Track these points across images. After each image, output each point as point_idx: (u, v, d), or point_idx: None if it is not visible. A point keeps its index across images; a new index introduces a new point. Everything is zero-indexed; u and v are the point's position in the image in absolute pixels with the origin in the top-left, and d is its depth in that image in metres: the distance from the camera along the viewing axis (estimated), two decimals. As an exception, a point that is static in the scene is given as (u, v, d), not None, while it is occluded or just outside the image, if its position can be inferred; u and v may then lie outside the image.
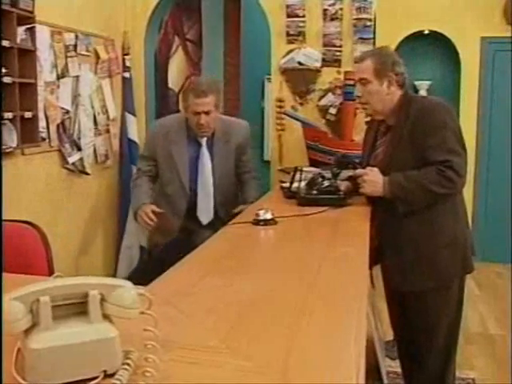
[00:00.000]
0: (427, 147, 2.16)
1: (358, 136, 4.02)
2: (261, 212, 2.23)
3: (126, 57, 4.28)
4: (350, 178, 2.65)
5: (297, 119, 4.08)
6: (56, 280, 0.98)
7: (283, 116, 4.20)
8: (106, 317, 0.95)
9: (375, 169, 2.31)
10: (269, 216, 2.22)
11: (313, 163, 3.89)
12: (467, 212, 2.38)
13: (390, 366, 2.97)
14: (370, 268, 2.52)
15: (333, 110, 4.11)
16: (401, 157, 2.23)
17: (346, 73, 4.01)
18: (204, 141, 2.86)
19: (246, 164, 3.05)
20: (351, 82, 3.96)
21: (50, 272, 1.94)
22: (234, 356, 1.02)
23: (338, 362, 1.02)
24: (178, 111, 5.03)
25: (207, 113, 2.72)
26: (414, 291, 2.28)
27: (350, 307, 1.30)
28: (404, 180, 2.21)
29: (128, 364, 0.93)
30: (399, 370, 2.66)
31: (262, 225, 2.19)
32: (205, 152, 2.86)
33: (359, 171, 2.39)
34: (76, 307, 0.95)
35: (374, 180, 2.29)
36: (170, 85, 6.10)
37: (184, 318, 1.22)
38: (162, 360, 0.94)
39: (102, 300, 0.94)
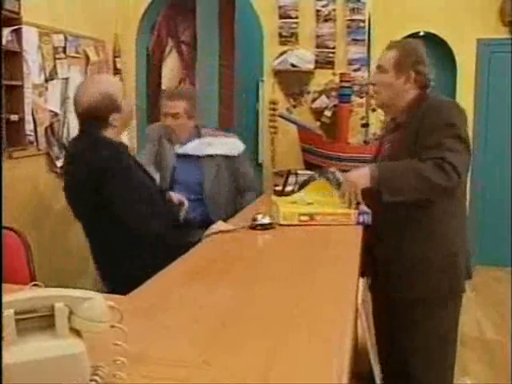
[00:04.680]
0: (425, 147, 2.02)
1: (353, 139, 3.99)
2: (258, 216, 2.19)
3: (116, 59, 4.22)
4: None
5: (292, 121, 4.03)
6: (23, 292, 0.93)
7: (276, 118, 4.15)
8: (74, 330, 0.90)
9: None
10: (267, 220, 2.17)
11: (308, 166, 3.84)
12: (465, 226, 2.23)
13: (384, 371, 2.92)
14: (365, 275, 2.46)
15: (328, 113, 4.06)
16: (402, 157, 2.11)
17: (341, 75, 3.97)
18: (179, 149, 2.91)
19: (246, 177, 3.07)
20: (347, 84, 3.93)
21: (32, 279, 1.90)
22: (211, 370, 0.97)
23: (319, 374, 0.97)
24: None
25: (174, 116, 2.82)
26: (401, 298, 2.17)
27: (336, 318, 1.25)
28: (395, 163, 2.10)
29: (95, 381, 0.88)
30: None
31: (260, 229, 2.15)
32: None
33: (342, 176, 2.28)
34: (43, 320, 0.90)
35: (359, 170, 2.17)
36: (163, 87, 6.06)
37: (162, 329, 1.17)
38: (131, 376, 0.89)
39: (70, 313, 0.89)
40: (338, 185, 2.31)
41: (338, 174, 2.34)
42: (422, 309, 2.13)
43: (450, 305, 2.18)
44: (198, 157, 2.91)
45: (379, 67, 2.23)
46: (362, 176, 2.13)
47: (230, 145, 3.04)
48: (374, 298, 2.42)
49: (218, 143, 2.97)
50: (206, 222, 2.72)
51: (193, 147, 2.89)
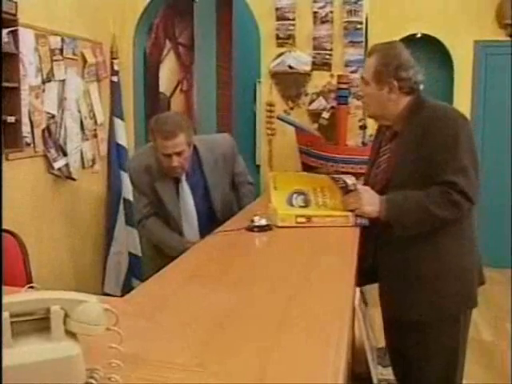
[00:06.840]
0: (434, 163, 1.91)
1: (351, 140, 3.99)
2: (256, 218, 2.18)
3: (114, 60, 4.22)
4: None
5: (290, 123, 4.03)
6: (18, 295, 0.92)
7: (273, 120, 4.15)
8: (69, 333, 0.90)
9: (368, 187, 2.12)
10: (264, 222, 2.17)
11: (305, 168, 3.85)
12: (475, 237, 2.11)
13: (382, 373, 2.92)
14: (360, 285, 2.42)
15: (326, 115, 4.07)
16: (405, 169, 2.00)
17: (339, 76, 3.98)
18: (183, 175, 2.62)
19: (242, 173, 2.92)
20: (344, 86, 3.93)
21: (28, 281, 1.89)
22: (205, 374, 0.96)
23: (316, 375, 0.97)
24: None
25: (179, 154, 2.46)
26: (411, 320, 2.07)
27: (333, 319, 1.25)
28: (403, 199, 1.97)
29: (91, 383, 0.88)
30: (391, 377, 2.61)
31: (257, 231, 2.14)
32: (185, 187, 2.65)
33: (357, 185, 2.13)
34: (39, 323, 0.90)
35: (371, 198, 2.05)
36: (161, 89, 6.07)
37: (157, 331, 1.16)
38: (127, 378, 0.88)
39: (66, 316, 0.89)
40: (346, 190, 2.21)
41: (350, 182, 2.20)
42: (431, 329, 2.05)
43: (461, 321, 2.08)
44: (202, 172, 2.69)
45: (362, 78, 2.11)
46: (371, 205, 2.05)
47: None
48: (384, 317, 2.30)
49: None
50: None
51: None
